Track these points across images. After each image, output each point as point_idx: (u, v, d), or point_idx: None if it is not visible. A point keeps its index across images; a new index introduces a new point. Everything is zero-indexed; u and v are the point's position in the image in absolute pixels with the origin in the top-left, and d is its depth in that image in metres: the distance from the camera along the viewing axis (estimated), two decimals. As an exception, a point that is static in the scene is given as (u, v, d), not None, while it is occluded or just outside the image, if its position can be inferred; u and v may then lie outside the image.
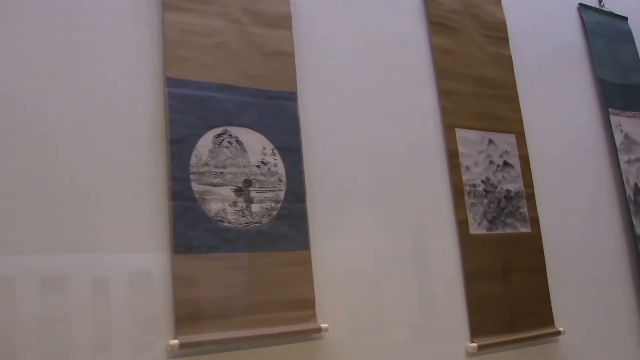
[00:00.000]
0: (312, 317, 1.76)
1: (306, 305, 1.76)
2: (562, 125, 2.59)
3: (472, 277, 2.10)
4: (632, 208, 2.67)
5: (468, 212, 2.16)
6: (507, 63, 2.48)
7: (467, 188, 2.18)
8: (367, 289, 1.89)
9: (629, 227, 2.63)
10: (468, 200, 2.17)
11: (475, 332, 2.05)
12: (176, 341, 1.53)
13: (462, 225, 2.13)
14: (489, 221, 2.20)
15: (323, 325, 1.75)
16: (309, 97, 1.94)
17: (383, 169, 2.03)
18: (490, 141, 2.31)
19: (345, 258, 1.88)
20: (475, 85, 2.33)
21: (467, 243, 2.12)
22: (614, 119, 2.76)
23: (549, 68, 2.65)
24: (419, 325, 1.96)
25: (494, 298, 2.12)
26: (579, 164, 2.59)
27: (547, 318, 2.26)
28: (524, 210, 2.32)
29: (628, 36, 3.00)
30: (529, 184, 2.37)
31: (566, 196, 2.49)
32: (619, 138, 2.76)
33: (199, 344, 1.56)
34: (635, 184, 2.73)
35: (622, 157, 2.73)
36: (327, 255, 1.84)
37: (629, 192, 2.69)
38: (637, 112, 2.87)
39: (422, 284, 2.01)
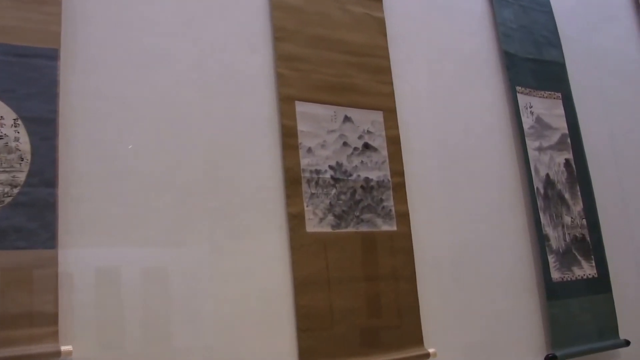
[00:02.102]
0: (52, 336, 1.38)
1: (44, 320, 1.39)
2: (449, 102, 2.21)
3: (305, 285, 1.72)
4: (540, 203, 2.28)
5: (306, 204, 1.78)
6: (378, 27, 2.11)
7: (306, 175, 1.80)
8: (142, 302, 1.50)
9: (535, 225, 2.24)
10: (307, 189, 1.79)
11: (305, 355, 1.68)
12: None
13: (295, 220, 1.75)
14: (336, 216, 1.82)
15: (64, 348, 1.37)
16: (80, 56, 1.57)
17: (186, 147, 1.65)
18: (347, 118, 1.93)
19: (114, 261, 1.50)
20: (330, 51, 1.96)
21: (301, 243, 1.75)
22: (522, 99, 2.38)
23: (436, 36, 2.27)
24: (222, 349, 1.57)
25: (336, 312, 1.74)
26: (471, 149, 2.21)
27: (413, 336, 1.87)
28: (389, 203, 1.93)
29: (545, 6, 2.63)
30: (398, 171, 1.99)
31: (450, 188, 2.11)
32: (528, 121, 2.38)
33: None
34: (547, 175, 2.35)
35: (532, 144, 2.36)
36: (84, 257, 1.46)
37: (538, 185, 2.30)
38: (552, 92, 2.49)
39: (232, 295, 1.62)
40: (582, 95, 2.58)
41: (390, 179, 1.96)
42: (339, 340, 1.72)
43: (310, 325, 1.70)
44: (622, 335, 2.31)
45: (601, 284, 2.35)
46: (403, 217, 1.95)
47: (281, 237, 1.73)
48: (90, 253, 1.47)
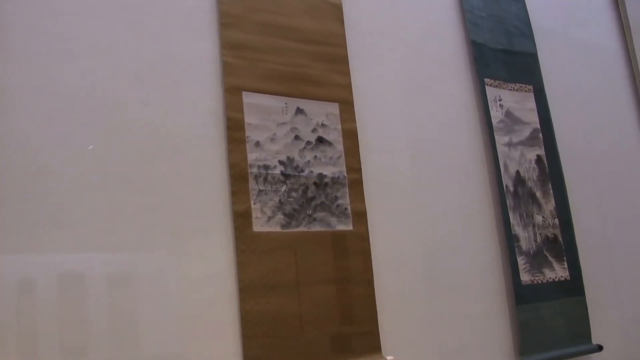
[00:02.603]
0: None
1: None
2: (411, 94, 2.16)
3: (251, 290, 1.65)
4: (509, 201, 2.23)
5: (253, 202, 1.71)
6: (335, 13, 2.05)
7: (254, 170, 1.74)
8: (78, 306, 1.43)
9: (503, 225, 2.19)
10: (255, 186, 1.73)
11: (250, 363, 1.60)
12: None
13: (241, 219, 1.69)
14: (286, 215, 1.76)
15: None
16: (9, 47, 1.49)
17: (122, 142, 1.58)
18: (299, 110, 1.87)
19: (36, 268, 1.42)
20: (281, 39, 1.90)
21: (248, 243, 1.68)
22: (491, 91, 2.34)
23: (397, 23, 2.22)
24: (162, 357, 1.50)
25: (285, 318, 1.68)
26: (435, 145, 2.16)
27: (370, 344, 1.81)
28: (345, 201, 1.87)
29: (517, -6, 2.60)
30: (354, 167, 1.93)
31: (412, 185, 2.06)
32: (497, 115, 2.34)
33: None
34: (517, 172, 2.30)
35: (501, 139, 2.31)
36: (3, 264, 1.38)
37: (507, 182, 2.26)
38: (523, 85, 2.45)
39: (173, 301, 1.55)
40: (556, 89, 2.54)
41: (346, 176, 1.90)
42: (287, 347, 1.66)
43: (256, 332, 1.63)
44: (595, 340, 2.27)
45: (573, 286, 2.31)
46: (360, 216, 1.90)
47: (226, 238, 1.66)
48: (9, 259, 1.39)
